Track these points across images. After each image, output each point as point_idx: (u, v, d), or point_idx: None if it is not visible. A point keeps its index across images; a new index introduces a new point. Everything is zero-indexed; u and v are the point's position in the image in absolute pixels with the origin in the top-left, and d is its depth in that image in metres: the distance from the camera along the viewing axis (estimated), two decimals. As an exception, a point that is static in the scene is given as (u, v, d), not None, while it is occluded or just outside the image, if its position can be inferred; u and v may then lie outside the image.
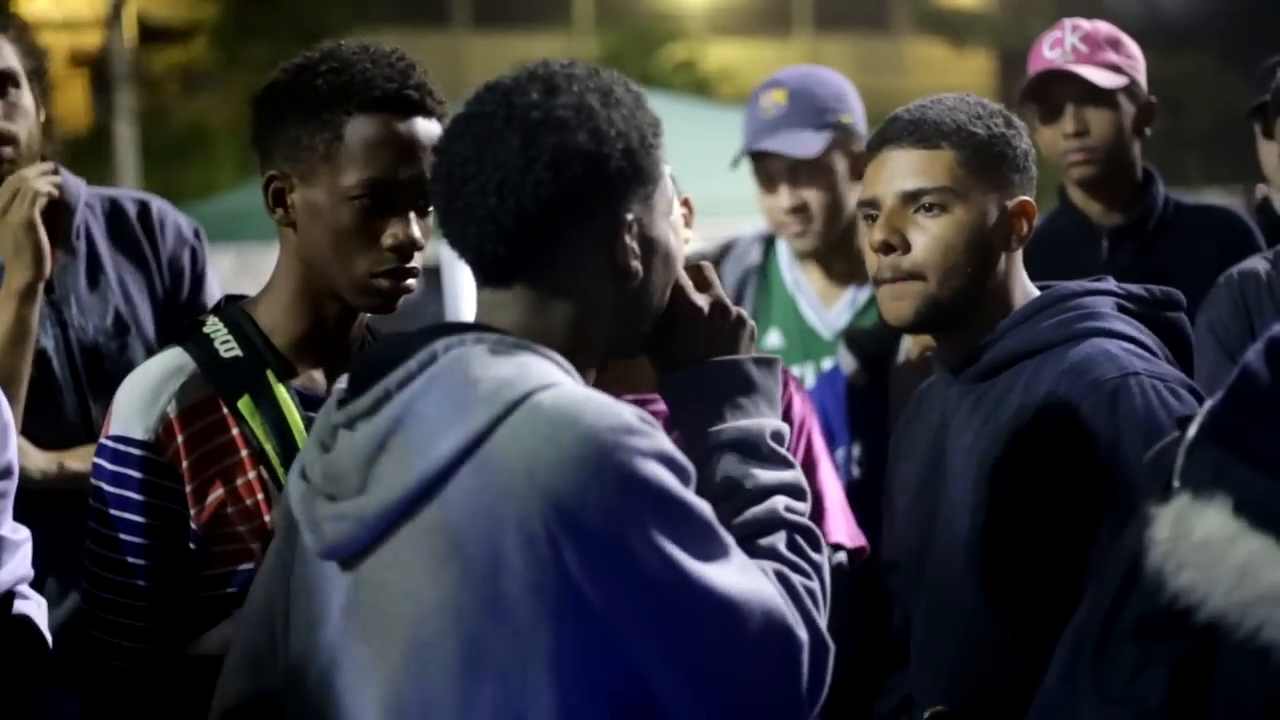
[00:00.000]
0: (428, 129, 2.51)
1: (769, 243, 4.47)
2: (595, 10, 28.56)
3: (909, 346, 3.90)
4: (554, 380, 1.98)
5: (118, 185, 14.83)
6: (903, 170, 2.66)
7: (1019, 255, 2.72)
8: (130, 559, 2.49)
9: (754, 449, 2.19)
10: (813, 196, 4.23)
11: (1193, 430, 1.62)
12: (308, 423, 2.54)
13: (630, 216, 2.09)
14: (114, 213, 3.65)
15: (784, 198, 4.24)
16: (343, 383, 2.12)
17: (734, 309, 2.27)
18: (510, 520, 1.92)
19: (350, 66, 2.50)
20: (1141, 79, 4.04)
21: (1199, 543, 1.52)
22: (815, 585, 2.12)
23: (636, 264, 2.11)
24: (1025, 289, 2.72)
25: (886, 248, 2.65)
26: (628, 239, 2.09)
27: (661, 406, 2.31)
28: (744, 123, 4.34)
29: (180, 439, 2.50)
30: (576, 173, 2.04)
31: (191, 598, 2.52)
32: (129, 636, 2.50)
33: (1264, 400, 1.55)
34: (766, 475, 2.17)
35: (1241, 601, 1.48)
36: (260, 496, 2.52)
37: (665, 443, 1.98)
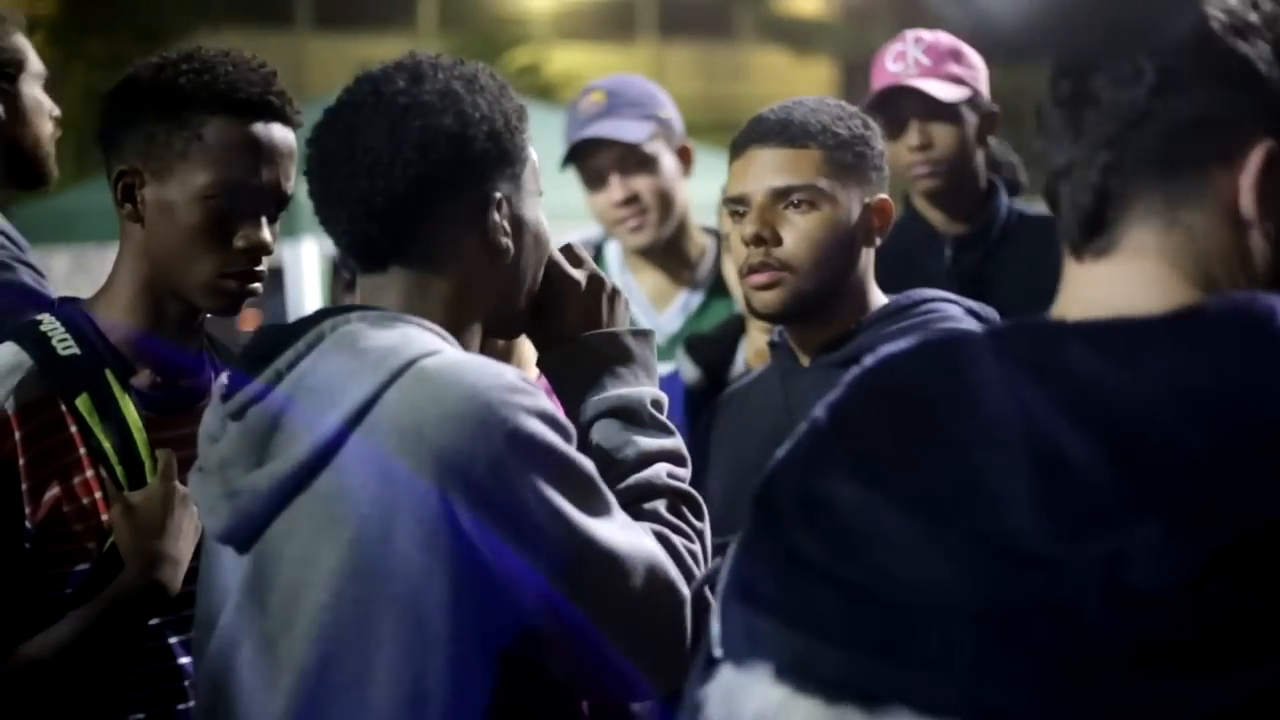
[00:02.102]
0: (285, 136, 2.56)
1: (597, 249, 4.46)
2: (439, 13, 28.45)
3: (749, 355, 3.91)
4: (437, 348, 2.05)
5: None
6: (772, 168, 2.80)
7: (873, 252, 2.88)
8: (-38, 559, 2.44)
9: (635, 416, 2.26)
10: (644, 185, 4.21)
11: (721, 586, 1.47)
12: (147, 422, 2.54)
13: (499, 195, 2.16)
14: None
15: (615, 190, 4.22)
16: (223, 379, 2.16)
17: (609, 283, 2.35)
18: (401, 479, 1.96)
19: (213, 68, 2.52)
20: (984, 88, 4.08)
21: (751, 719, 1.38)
22: (696, 548, 2.19)
23: (507, 241, 2.18)
24: (874, 285, 2.88)
25: (759, 240, 2.78)
26: (497, 217, 2.16)
27: (543, 383, 2.35)
28: (565, 130, 4.33)
29: (17, 436, 2.45)
30: (443, 154, 2.12)
31: (26, 598, 2.47)
32: (-40, 638, 2.45)
33: (772, 552, 1.38)
34: (648, 442, 2.25)
35: None
36: (97, 495, 2.50)
37: (546, 403, 2.04)
